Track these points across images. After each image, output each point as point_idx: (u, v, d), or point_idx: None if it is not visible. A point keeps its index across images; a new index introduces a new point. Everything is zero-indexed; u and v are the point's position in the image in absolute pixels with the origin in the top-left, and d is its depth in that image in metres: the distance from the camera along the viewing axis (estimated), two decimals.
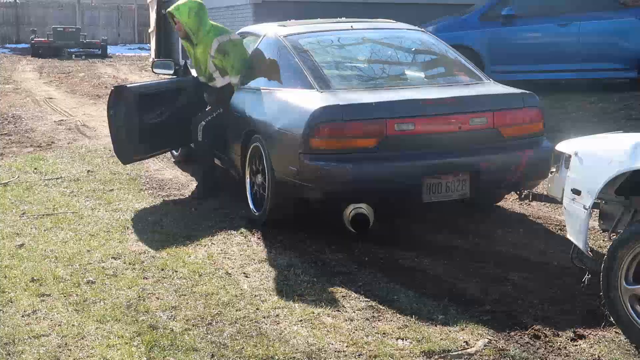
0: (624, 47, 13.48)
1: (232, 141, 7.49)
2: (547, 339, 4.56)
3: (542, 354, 4.37)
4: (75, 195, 7.87)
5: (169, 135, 8.23)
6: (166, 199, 7.84)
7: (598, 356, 4.37)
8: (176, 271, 5.69)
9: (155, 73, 9.22)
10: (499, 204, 7.43)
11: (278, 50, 7.28)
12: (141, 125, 7.84)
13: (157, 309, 4.99)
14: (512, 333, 4.64)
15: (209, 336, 4.58)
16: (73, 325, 4.73)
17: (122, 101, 7.77)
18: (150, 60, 26.55)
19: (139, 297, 5.19)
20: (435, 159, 6.19)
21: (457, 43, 10.93)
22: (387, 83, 6.98)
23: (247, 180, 7.11)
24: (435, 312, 4.96)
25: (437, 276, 5.67)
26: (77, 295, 5.22)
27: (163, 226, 6.84)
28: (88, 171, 9.00)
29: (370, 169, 6.08)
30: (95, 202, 7.60)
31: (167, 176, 8.80)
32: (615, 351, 4.43)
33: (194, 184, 8.37)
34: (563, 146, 5.07)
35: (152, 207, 7.44)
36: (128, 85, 8.08)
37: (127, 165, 8.61)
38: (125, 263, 5.86)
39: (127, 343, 4.48)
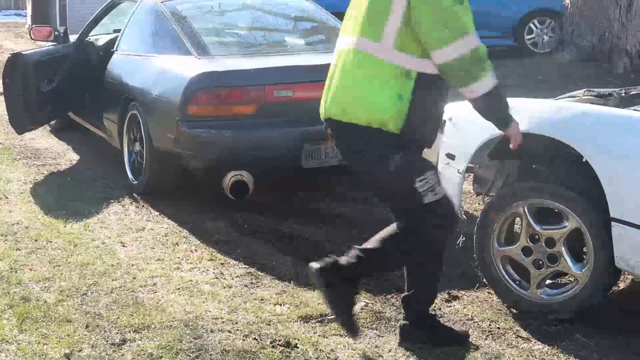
0: (501, 15, 13.78)
1: (109, 108, 7.33)
2: None
3: None
4: None
5: (63, 102, 8.06)
6: (41, 168, 7.63)
7: (471, 316, 4.47)
8: (50, 241, 5.55)
9: (33, 40, 8.99)
10: None
11: (155, 16, 7.14)
12: (38, 93, 7.64)
13: (30, 281, 4.86)
14: (389, 296, 4.71)
15: (84, 307, 4.49)
16: None
17: (18, 69, 7.57)
18: (27, 27, 25.77)
19: (11, 268, 5.04)
20: (315, 125, 6.16)
21: (337, 10, 10.93)
22: (267, 50, 6.94)
23: (125, 149, 6.98)
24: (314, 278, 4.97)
25: (318, 242, 5.70)
26: None
27: (38, 196, 6.66)
28: None
29: (249, 135, 6.06)
30: None
31: (43, 145, 8.57)
32: (487, 311, 4.54)
33: (70, 153, 8.18)
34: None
35: (26, 177, 7.23)
36: (24, 53, 7.85)
37: (0, 135, 8.35)
38: None
39: None
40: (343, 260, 4.01)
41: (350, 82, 3.86)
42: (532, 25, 14.10)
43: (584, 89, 5.06)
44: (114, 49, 7.58)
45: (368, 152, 3.90)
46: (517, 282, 4.48)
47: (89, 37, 8.35)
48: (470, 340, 4.18)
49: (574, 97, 4.95)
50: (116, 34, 7.93)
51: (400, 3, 3.72)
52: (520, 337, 4.22)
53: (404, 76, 3.77)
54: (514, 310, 4.52)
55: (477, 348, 4.12)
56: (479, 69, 3.77)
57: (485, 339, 4.24)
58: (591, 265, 4.20)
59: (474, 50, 3.73)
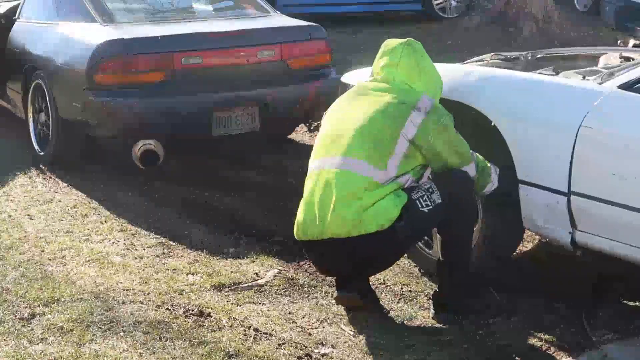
0: None
1: (12, 78, 7.14)
2: None
3: (330, 281, 4.46)
4: None
5: None
6: None
7: (383, 280, 4.50)
8: None
9: None
10: (290, 136, 7.48)
11: None
12: None
13: None
14: (302, 263, 4.71)
15: None
16: None
17: None
18: None
19: None
20: (224, 92, 6.15)
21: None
22: (174, 16, 6.87)
23: (30, 119, 6.82)
24: (226, 246, 4.97)
25: (230, 211, 5.67)
26: None
27: None
28: None
29: (158, 104, 5.99)
30: None
31: None
32: (399, 275, 4.58)
33: None
34: (348, 77, 5.13)
35: None
36: None
37: None
38: None
39: None
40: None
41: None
42: None
43: (492, 53, 5.12)
44: (16, 16, 7.36)
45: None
46: (424, 242, 4.52)
47: None
48: (382, 303, 4.22)
49: (482, 61, 5.00)
50: (18, 1, 7.70)
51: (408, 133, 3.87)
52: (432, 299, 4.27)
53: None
54: (425, 274, 4.58)
55: (389, 311, 4.17)
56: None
57: (398, 302, 4.28)
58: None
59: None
